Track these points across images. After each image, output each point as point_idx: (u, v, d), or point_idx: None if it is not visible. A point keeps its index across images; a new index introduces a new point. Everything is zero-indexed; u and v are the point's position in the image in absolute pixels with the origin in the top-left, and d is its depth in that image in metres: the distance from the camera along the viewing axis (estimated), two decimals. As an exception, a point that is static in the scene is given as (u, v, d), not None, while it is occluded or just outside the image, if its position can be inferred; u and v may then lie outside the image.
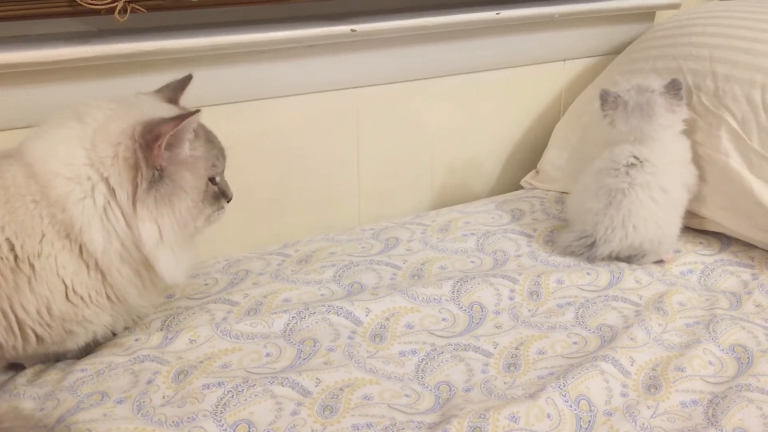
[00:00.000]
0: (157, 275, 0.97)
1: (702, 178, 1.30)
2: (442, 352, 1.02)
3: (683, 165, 1.26)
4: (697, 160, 1.29)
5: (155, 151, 0.91)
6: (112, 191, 0.91)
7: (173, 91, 1.04)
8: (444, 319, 1.10)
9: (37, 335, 0.92)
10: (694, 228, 1.33)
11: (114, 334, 1.04)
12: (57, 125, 0.95)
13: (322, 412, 0.90)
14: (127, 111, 0.96)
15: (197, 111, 0.93)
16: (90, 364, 0.97)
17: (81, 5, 1.09)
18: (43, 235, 0.90)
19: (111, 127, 0.93)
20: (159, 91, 1.04)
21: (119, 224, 0.92)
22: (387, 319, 1.08)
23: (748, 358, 1.00)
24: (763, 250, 1.27)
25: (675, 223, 1.25)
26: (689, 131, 1.30)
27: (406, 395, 0.94)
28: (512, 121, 1.62)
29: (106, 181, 0.91)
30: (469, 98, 1.53)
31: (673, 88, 1.25)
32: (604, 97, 1.28)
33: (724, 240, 1.31)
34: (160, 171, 0.92)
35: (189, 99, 1.06)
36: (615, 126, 1.26)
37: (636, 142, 1.23)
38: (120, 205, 0.92)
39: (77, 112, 0.95)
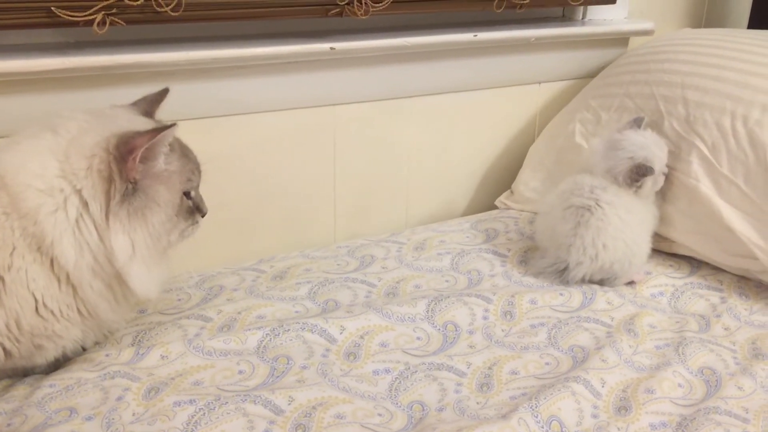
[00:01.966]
0: (130, 290, 0.96)
1: (672, 202, 1.32)
2: (416, 371, 1.02)
3: (646, 204, 1.28)
4: (668, 184, 1.31)
5: (129, 164, 0.90)
6: (85, 204, 0.90)
7: (149, 105, 1.04)
8: (418, 338, 1.10)
9: (5, 350, 0.91)
10: (665, 251, 1.35)
11: (84, 349, 1.02)
12: (30, 136, 0.94)
13: (294, 430, 0.89)
14: (102, 123, 0.95)
15: (173, 125, 0.93)
16: (59, 379, 0.95)
17: (59, 16, 1.08)
18: (14, 248, 0.89)
19: (85, 139, 0.92)
20: (135, 104, 1.04)
21: (92, 237, 0.91)
22: (361, 337, 1.08)
23: (717, 381, 1.02)
24: (732, 274, 1.29)
25: (643, 242, 1.27)
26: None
27: (379, 414, 0.93)
28: (488, 142, 1.63)
29: (79, 193, 0.90)
30: (446, 118, 1.55)
31: (633, 172, 1.24)
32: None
33: (693, 263, 1.33)
34: (134, 184, 0.92)
35: (166, 112, 1.05)
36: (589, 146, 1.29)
37: (594, 177, 1.27)
38: (93, 218, 0.91)
39: (51, 124, 0.94)
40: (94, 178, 0.90)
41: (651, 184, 1.26)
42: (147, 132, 0.91)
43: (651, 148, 1.26)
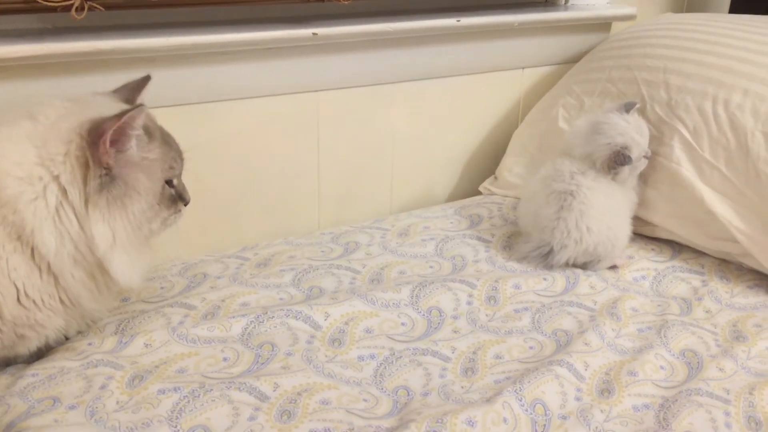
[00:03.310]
0: (112, 278, 0.96)
1: (654, 186, 1.33)
2: (401, 357, 1.02)
3: (624, 189, 1.29)
4: (650, 168, 1.32)
5: (101, 148, 0.89)
6: (64, 191, 0.89)
7: (131, 92, 1.03)
8: (403, 324, 1.10)
9: (-13, 340, 0.90)
10: (647, 235, 1.36)
11: (67, 338, 1.02)
12: (7, 124, 0.92)
13: (279, 417, 0.89)
14: (80, 110, 0.94)
15: (139, 106, 0.91)
16: (41, 368, 0.95)
17: (37, 2, 1.07)
18: (-6, 238, 0.88)
19: (63, 125, 0.91)
20: (116, 91, 1.03)
21: (72, 226, 0.90)
22: (346, 323, 1.08)
23: (698, 363, 1.03)
24: (713, 257, 1.30)
25: (624, 224, 1.28)
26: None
27: (365, 400, 0.94)
28: (471, 127, 1.63)
29: (57, 180, 0.89)
30: (430, 104, 1.54)
31: (610, 160, 1.24)
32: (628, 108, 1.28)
33: (675, 247, 1.34)
34: (108, 170, 0.90)
35: (147, 100, 1.04)
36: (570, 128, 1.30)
37: (573, 161, 1.27)
38: (73, 205, 0.90)
39: (29, 111, 0.93)
40: (72, 164, 0.90)
41: (628, 171, 1.26)
42: (115, 115, 0.90)
43: (630, 133, 1.25)
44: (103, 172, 0.90)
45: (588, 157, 1.25)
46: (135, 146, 0.93)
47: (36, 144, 0.90)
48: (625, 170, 1.25)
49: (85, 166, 0.89)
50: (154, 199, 0.95)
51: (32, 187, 0.89)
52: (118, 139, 0.90)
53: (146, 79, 1.04)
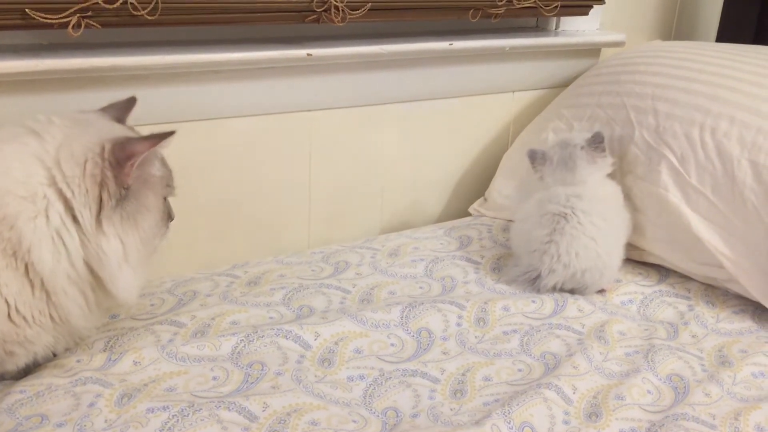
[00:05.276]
0: (107, 295, 0.96)
1: (642, 211, 1.34)
2: (390, 378, 1.03)
3: (616, 207, 1.31)
4: (637, 193, 1.34)
5: (126, 170, 0.91)
6: (70, 210, 0.90)
7: (120, 112, 1.04)
8: (392, 345, 1.10)
9: (-24, 357, 0.90)
10: (634, 259, 1.38)
11: (54, 355, 1.01)
12: (10, 141, 0.92)
13: (269, 437, 0.89)
14: (84, 129, 0.95)
15: (173, 132, 0.94)
16: (29, 385, 0.94)
17: (33, 18, 1.07)
18: (-13, 253, 0.88)
19: (74, 145, 0.91)
20: (104, 110, 1.03)
21: (72, 244, 0.90)
22: (336, 343, 1.08)
23: (684, 387, 1.04)
24: (699, 282, 1.32)
25: (616, 253, 1.28)
26: (629, 168, 1.35)
27: (354, 421, 0.94)
28: (462, 149, 1.65)
29: (66, 200, 0.90)
30: (421, 125, 1.56)
31: (594, 141, 1.30)
32: (532, 157, 1.33)
33: (662, 271, 1.36)
34: (126, 189, 0.92)
35: (141, 117, 1.05)
36: (544, 180, 1.32)
37: (567, 186, 1.29)
38: (80, 224, 0.90)
39: (31, 128, 0.93)
40: (87, 184, 0.90)
41: (609, 151, 1.32)
42: (146, 138, 0.93)
43: (569, 133, 1.39)
44: (123, 191, 0.91)
45: (583, 173, 1.28)
46: (156, 168, 0.95)
47: (47, 164, 0.90)
48: (607, 150, 1.31)
49: (100, 185, 0.90)
50: (159, 215, 0.98)
51: (33, 206, 0.89)
52: (145, 163, 0.92)
53: (132, 101, 1.05)
